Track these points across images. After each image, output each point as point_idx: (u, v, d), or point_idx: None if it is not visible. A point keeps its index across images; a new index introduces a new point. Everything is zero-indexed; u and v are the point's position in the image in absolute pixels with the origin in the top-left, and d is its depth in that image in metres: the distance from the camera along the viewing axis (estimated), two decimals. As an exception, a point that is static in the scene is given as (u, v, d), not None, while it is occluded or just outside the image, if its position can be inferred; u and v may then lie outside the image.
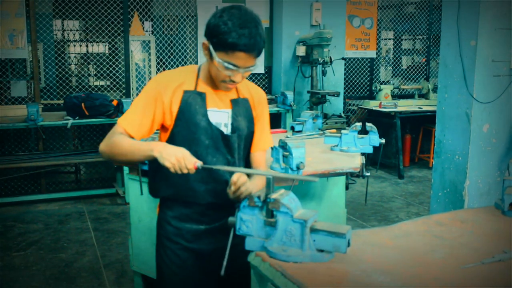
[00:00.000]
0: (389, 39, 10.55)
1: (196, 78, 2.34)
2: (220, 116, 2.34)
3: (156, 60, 8.19)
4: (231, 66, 2.15)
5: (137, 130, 2.26)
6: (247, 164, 2.52)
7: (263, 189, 2.04)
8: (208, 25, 2.19)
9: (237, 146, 2.36)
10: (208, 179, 2.29)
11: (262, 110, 2.51)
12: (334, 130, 5.09)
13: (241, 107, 2.40)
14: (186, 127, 2.28)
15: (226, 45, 2.10)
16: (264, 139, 2.54)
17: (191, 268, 2.40)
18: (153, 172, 2.41)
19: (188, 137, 2.28)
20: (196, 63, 7.87)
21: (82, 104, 6.54)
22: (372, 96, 9.31)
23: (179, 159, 2.06)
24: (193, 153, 2.20)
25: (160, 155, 2.08)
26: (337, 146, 4.20)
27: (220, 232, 2.38)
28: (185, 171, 2.08)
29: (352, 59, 9.20)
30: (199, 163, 2.10)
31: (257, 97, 2.49)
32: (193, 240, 2.39)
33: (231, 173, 2.33)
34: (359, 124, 4.21)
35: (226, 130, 2.35)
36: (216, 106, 2.34)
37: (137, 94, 7.97)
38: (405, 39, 10.65)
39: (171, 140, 2.30)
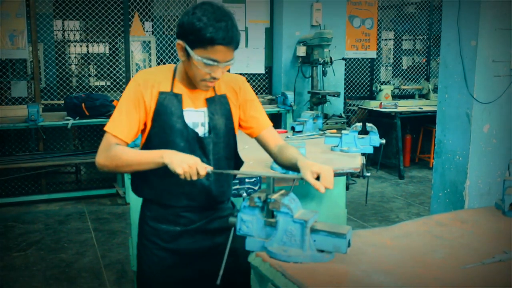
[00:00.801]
0: (390, 39, 10.55)
1: (172, 79, 2.31)
2: (196, 115, 2.32)
3: (157, 61, 8.19)
4: (211, 62, 2.12)
5: (127, 135, 2.23)
6: (236, 157, 2.50)
7: (263, 190, 2.04)
8: (181, 25, 2.14)
9: (212, 148, 2.32)
10: (184, 182, 2.23)
11: (245, 93, 2.46)
12: (335, 131, 5.11)
13: (217, 104, 2.36)
14: (161, 129, 2.26)
15: (204, 40, 2.07)
16: (264, 117, 2.50)
17: (171, 267, 2.37)
18: (135, 172, 2.39)
19: (163, 139, 2.25)
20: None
21: (83, 105, 6.55)
22: (372, 96, 9.31)
23: (191, 166, 2.05)
24: None
25: (170, 162, 2.06)
26: (337, 146, 4.20)
27: (198, 232, 2.37)
28: (195, 178, 2.07)
29: (352, 60, 9.20)
30: (209, 169, 2.09)
31: (236, 85, 2.44)
32: (170, 240, 2.36)
33: (211, 177, 2.32)
34: (359, 125, 4.22)
35: (204, 130, 2.32)
36: (193, 106, 2.31)
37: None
38: (406, 39, 10.64)
39: (148, 142, 2.29)
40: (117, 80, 7.71)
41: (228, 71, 2.32)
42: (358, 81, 9.44)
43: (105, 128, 2.24)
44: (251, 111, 2.47)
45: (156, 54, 8.24)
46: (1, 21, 6.64)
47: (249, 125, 2.47)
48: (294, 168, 2.20)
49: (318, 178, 2.08)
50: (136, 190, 2.44)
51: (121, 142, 2.22)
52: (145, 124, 2.29)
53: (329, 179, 2.07)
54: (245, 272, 2.45)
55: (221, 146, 2.36)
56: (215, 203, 2.40)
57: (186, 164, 2.05)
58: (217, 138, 2.34)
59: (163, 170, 2.16)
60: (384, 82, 9.91)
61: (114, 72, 7.66)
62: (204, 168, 2.07)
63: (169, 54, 7.99)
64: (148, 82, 2.26)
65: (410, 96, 9.60)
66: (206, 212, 2.38)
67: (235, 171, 2.35)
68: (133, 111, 2.24)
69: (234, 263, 2.29)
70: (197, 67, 2.15)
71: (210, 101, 2.34)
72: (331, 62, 7.16)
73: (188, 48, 2.12)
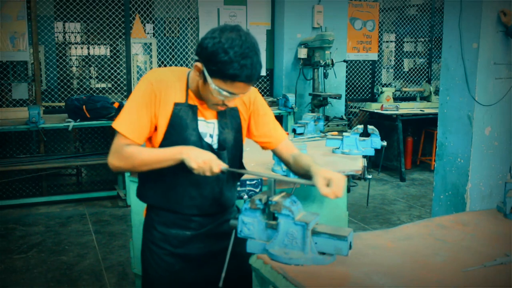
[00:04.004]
0: (391, 41, 10.54)
1: (186, 88, 2.25)
2: (206, 127, 2.29)
3: (158, 62, 8.19)
4: (228, 94, 2.07)
5: (138, 136, 2.18)
6: (240, 167, 2.49)
7: (264, 192, 2.04)
8: (203, 47, 2.05)
9: (226, 163, 2.29)
10: (195, 195, 2.27)
11: (257, 107, 2.43)
12: (336, 133, 5.09)
13: (228, 117, 2.33)
14: (175, 141, 2.21)
15: (226, 75, 2.01)
16: (278, 131, 2.48)
17: (179, 272, 2.36)
18: (143, 178, 2.38)
19: None
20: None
21: (84, 107, 6.54)
22: (373, 98, 9.30)
23: (206, 161, 2.05)
24: (180, 166, 2.14)
25: (188, 156, 2.06)
26: (338, 148, 4.20)
27: (208, 237, 2.36)
28: (209, 174, 2.07)
29: (353, 62, 9.20)
30: (223, 166, 2.09)
31: (247, 98, 2.40)
32: (180, 245, 2.35)
33: (222, 190, 2.33)
34: (360, 127, 4.21)
35: (211, 141, 2.30)
36: (204, 117, 2.28)
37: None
38: (407, 42, 10.64)
39: None
40: (118, 82, 7.71)
41: None
42: (359, 83, 9.44)
43: (115, 127, 2.18)
44: (264, 127, 2.45)
45: (157, 56, 8.24)
46: (2, 24, 6.65)
47: (264, 141, 2.47)
48: (308, 175, 2.18)
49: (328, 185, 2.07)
50: (141, 197, 2.42)
51: (133, 144, 2.18)
52: (155, 128, 2.24)
53: (339, 186, 2.04)
54: (248, 275, 2.44)
55: (228, 158, 2.35)
56: (223, 209, 2.40)
57: (201, 160, 2.05)
58: (227, 153, 2.33)
59: (175, 182, 2.20)
60: (385, 84, 9.91)
61: (115, 74, 7.66)
62: (218, 166, 2.07)
63: (170, 56, 7.99)
64: (161, 82, 2.21)
65: (411, 98, 9.59)
66: (215, 216, 2.38)
67: (249, 171, 2.35)
68: (144, 111, 2.18)
69: (237, 266, 2.28)
70: (211, 93, 2.10)
71: (221, 114, 2.31)
72: (333, 64, 7.15)
73: (207, 74, 2.07)
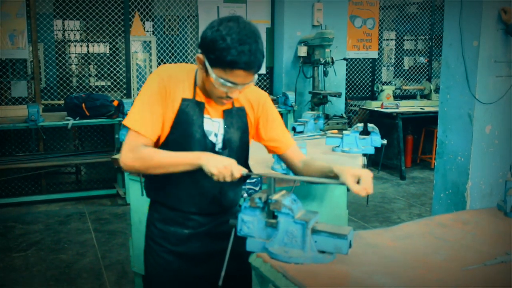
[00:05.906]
0: (391, 39, 10.53)
1: (194, 85, 2.24)
2: (211, 125, 2.27)
3: (157, 60, 8.18)
4: (229, 84, 2.04)
5: (152, 132, 2.15)
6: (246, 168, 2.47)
7: (264, 190, 2.03)
8: (204, 38, 2.04)
9: None
10: (195, 194, 2.27)
11: (266, 112, 2.41)
12: (336, 131, 5.10)
13: (234, 117, 2.31)
14: (180, 136, 2.20)
15: (224, 62, 1.98)
16: (286, 137, 2.46)
17: (177, 270, 2.35)
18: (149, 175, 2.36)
19: (181, 147, 2.18)
20: (197, 63, 7.86)
21: (83, 105, 6.54)
22: (374, 96, 9.29)
23: (227, 167, 2.01)
24: None
25: (207, 162, 2.02)
26: (338, 147, 4.20)
27: (207, 236, 2.35)
28: (229, 180, 2.03)
29: (353, 60, 9.19)
30: (244, 171, 2.07)
31: (255, 102, 2.39)
32: (178, 243, 2.33)
33: (223, 190, 2.32)
34: (360, 125, 4.21)
35: (215, 140, 2.27)
36: (209, 115, 2.26)
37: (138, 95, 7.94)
38: (407, 40, 10.63)
39: (164, 147, 2.21)
40: (118, 80, 7.70)
41: None
42: (359, 82, 9.43)
43: (128, 125, 2.14)
44: (272, 132, 2.43)
45: (157, 54, 8.23)
46: (1, 21, 6.64)
47: (272, 145, 2.45)
48: (330, 176, 2.16)
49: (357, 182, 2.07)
50: (146, 192, 2.42)
51: (148, 141, 2.14)
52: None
53: (369, 182, 2.05)
54: (247, 274, 2.43)
55: (233, 159, 2.33)
56: (223, 210, 2.39)
57: (221, 165, 2.01)
58: (230, 151, 2.31)
59: (177, 178, 2.18)
60: (385, 82, 9.91)
61: (115, 72, 7.65)
62: (239, 171, 2.04)
63: (170, 54, 7.98)
64: (171, 78, 2.19)
65: (411, 96, 9.58)
66: (215, 215, 2.37)
67: (268, 174, 2.30)
68: (157, 107, 2.16)
69: (237, 266, 2.27)
70: (213, 84, 2.08)
71: (227, 113, 2.30)
72: (333, 62, 7.15)
73: (207, 65, 2.05)
